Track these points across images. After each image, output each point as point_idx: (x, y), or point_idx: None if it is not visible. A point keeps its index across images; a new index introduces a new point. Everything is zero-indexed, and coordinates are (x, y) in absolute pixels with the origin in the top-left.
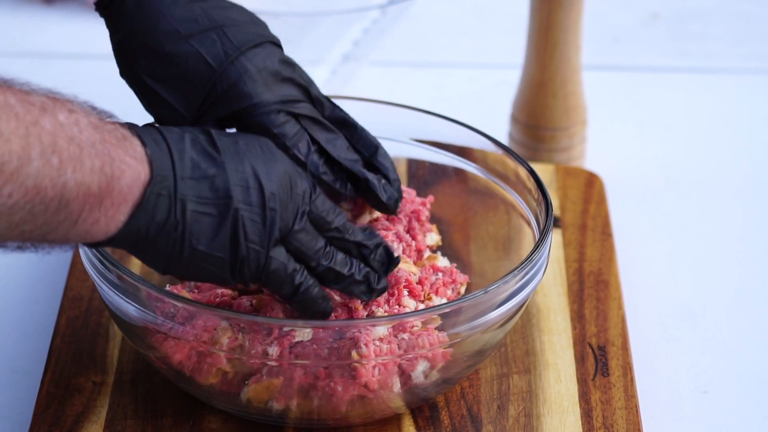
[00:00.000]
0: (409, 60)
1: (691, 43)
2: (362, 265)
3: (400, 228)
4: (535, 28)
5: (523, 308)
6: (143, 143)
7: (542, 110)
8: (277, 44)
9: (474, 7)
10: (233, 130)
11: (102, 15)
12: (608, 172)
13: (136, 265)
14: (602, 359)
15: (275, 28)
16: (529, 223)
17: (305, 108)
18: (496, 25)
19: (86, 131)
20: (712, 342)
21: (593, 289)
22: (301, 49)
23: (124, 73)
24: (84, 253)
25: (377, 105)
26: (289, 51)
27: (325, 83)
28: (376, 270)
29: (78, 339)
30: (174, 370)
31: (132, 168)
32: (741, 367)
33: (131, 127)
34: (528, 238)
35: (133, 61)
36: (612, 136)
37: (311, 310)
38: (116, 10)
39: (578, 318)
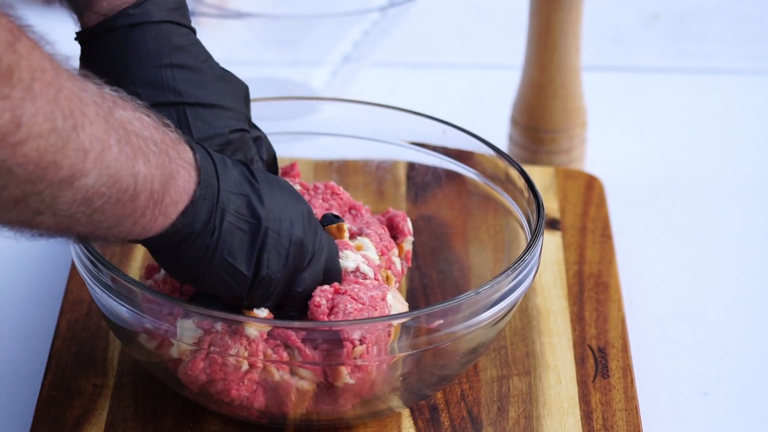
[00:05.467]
0: (409, 61)
1: (691, 44)
2: None
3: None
4: (535, 29)
5: (515, 308)
6: (192, 149)
7: (542, 112)
8: (241, 129)
9: (474, 8)
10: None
11: (80, 44)
12: (608, 174)
13: (132, 268)
14: (602, 361)
15: (275, 31)
16: (522, 226)
17: None
18: (496, 26)
19: (149, 129)
20: (711, 343)
21: (593, 291)
22: (301, 50)
23: None
24: (77, 255)
25: (375, 108)
26: (289, 52)
27: (325, 85)
28: None
29: (78, 342)
30: (169, 374)
31: (185, 170)
32: (741, 369)
33: (180, 133)
34: (523, 240)
35: None
36: (612, 138)
37: None
38: (93, 48)
39: (578, 320)
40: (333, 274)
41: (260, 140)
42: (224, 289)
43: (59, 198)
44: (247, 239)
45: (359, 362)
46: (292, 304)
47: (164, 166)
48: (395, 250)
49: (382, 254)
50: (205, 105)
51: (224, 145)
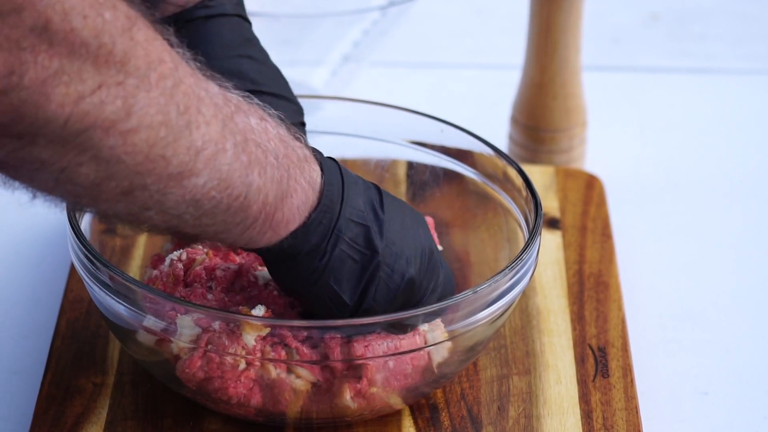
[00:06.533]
0: (409, 61)
1: (691, 44)
2: None
3: None
4: (535, 29)
5: (513, 307)
6: (322, 170)
7: (542, 111)
8: (303, 123)
9: (474, 8)
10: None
11: None
12: (608, 174)
13: (131, 267)
14: (602, 360)
15: (275, 29)
16: (520, 225)
17: None
18: (496, 26)
19: (273, 141)
20: (712, 343)
21: (593, 291)
22: (301, 50)
23: None
24: (75, 253)
25: (376, 107)
26: (289, 52)
27: (324, 84)
28: None
29: (78, 340)
30: (167, 372)
31: (304, 190)
32: (741, 368)
33: (314, 151)
34: (522, 239)
35: None
36: (612, 138)
37: None
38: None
39: (578, 319)
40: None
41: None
42: (323, 310)
43: (167, 195)
44: (357, 269)
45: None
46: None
47: (281, 181)
48: None
49: None
50: (277, 96)
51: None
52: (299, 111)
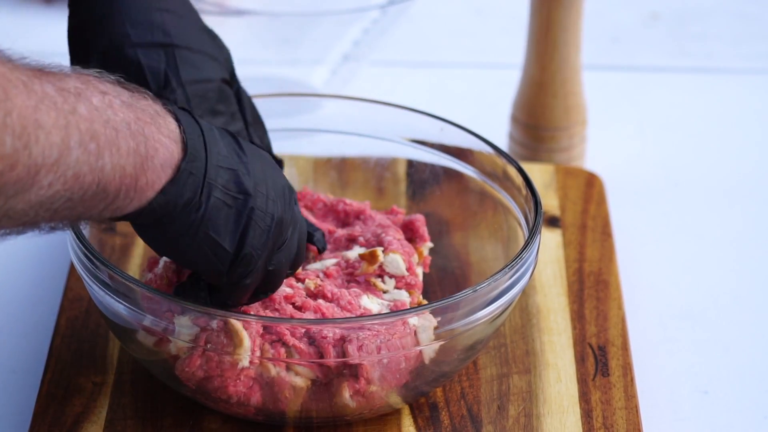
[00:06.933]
0: (409, 60)
1: (691, 43)
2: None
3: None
4: (535, 28)
5: (513, 305)
6: (178, 121)
7: (542, 110)
8: (227, 81)
9: (474, 7)
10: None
11: None
12: (608, 172)
13: (131, 265)
14: (602, 359)
15: (275, 28)
16: (520, 224)
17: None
18: (496, 25)
19: (120, 112)
20: (712, 342)
21: (593, 290)
22: (300, 49)
23: (74, 62)
24: (74, 252)
25: (376, 105)
26: (289, 51)
27: (324, 83)
28: None
29: (78, 339)
30: (167, 371)
31: (165, 146)
32: (741, 368)
33: (164, 104)
34: (521, 237)
35: (83, 51)
36: (612, 136)
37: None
38: None
39: (578, 318)
40: (299, 255)
41: (241, 96)
42: (205, 264)
43: (13, 206)
44: (233, 215)
45: (371, 389)
46: (265, 284)
47: (138, 148)
48: (416, 257)
49: (409, 268)
50: (193, 50)
51: (214, 92)
52: (224, 69)
